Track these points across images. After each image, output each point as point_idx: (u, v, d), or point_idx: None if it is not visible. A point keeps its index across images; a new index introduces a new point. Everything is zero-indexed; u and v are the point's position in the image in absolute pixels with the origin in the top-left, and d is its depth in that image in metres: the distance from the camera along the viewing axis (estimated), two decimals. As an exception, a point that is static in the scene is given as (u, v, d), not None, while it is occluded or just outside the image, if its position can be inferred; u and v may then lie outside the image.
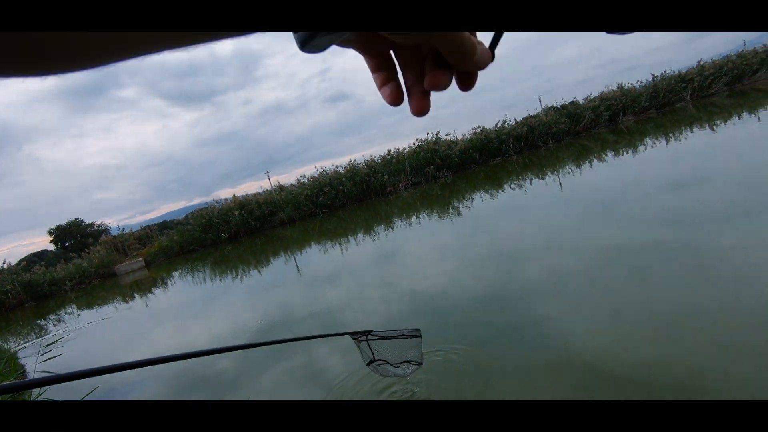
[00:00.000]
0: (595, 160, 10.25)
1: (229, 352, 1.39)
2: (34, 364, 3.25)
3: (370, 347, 2.29)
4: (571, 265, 3.70)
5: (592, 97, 19.65)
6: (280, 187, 18.43)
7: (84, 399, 2.35)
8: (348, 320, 3.94)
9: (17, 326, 10.26)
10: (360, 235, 9.27)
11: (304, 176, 18.38)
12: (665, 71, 20.18)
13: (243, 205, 16.72)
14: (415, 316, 3.52)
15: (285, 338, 1.64)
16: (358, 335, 2.25)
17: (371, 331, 2.27)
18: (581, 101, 19.57)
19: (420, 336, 2.24)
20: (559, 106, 19.55)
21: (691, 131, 10.42)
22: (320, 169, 17.95)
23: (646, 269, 3.19)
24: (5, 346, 5.53)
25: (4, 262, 15.64)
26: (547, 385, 2.15)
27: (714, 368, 1.92)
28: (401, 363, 2.27)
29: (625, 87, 19.74)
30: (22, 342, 7.58)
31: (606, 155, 10.64)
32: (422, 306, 3.72)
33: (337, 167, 17.78)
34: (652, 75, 20.28)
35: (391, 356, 2.32)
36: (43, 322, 10.08)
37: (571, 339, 2.46)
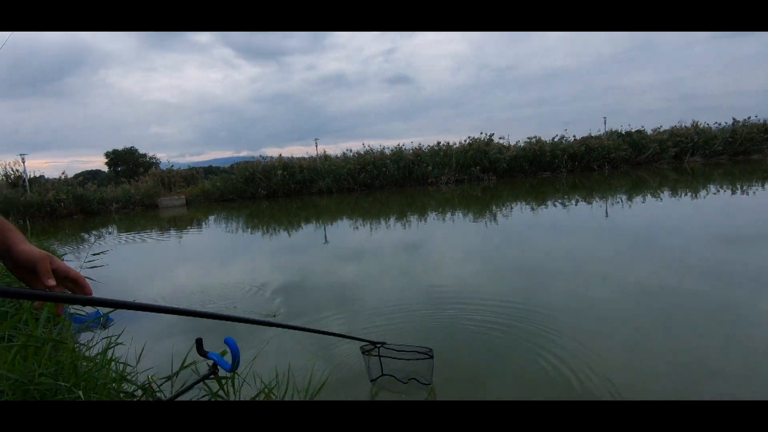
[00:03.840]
0: (649, 195, 9.76)
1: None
2: (78, 268, 3.52)
3: (380, 361, 2.29)
4: (594, 295, 3.60)
5: (662, 129, 18.59)
6: (325, 157, 18.67)
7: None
8: (360, 299, 4.02)
9: (64, 234, 11.06)
10: (392, 220, 9.32)
11: (350, 150, 18.51)
12: (749, 117, 18.75)
13: (287, 166, 17.08)
14: (424, 311, 3.54)
15: (298, 325, 1.68)
16: (370, 347, 2.25)
17: (384, 343, 2.28)
18: (649, 131, 18.55)
19: (432, 357, 2.23)
20: (623, 131, 18.62)
21: (762, 187, 9.71)
22: (367, 147, 18.03)
23: (671, 316, 3.06)
24: (54, 248, 6.01)
25: (62, 174, 16.81)
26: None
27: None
28: (409, 380, 2.25)
29: (701, 126, 18.53)
30: (67, 248, 8.19)
31: (662, 192, 10.11)
32: (434, 301, 3.73)
33: (384, 148, 17.80)
34: (734, 119, 18.91)
35: (399, 372, 2.30)
36: (86, 235, 10.82)
37: (574, 367, 2.42)
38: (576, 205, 9.27)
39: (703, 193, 9.51)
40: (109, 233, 10.91)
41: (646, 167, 16.72)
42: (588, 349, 2.62)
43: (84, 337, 2.83)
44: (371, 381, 2.30)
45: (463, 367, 2.54)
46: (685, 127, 18.40)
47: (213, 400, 1.54)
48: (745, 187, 9.78)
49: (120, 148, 31.17)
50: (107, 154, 30.84)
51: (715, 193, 9.27)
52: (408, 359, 2.25)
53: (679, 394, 2.14)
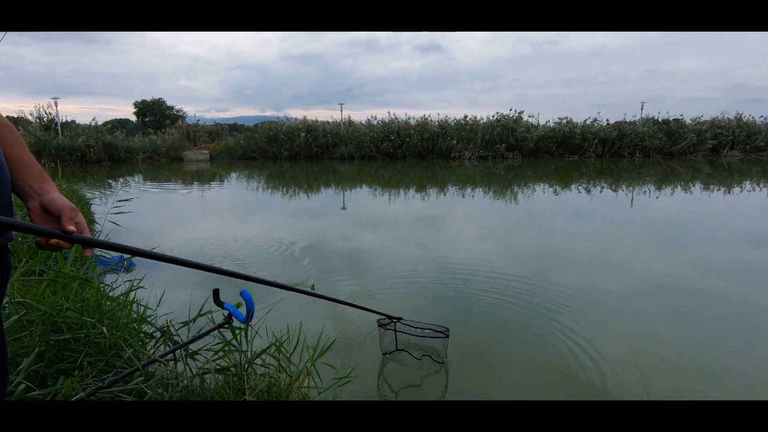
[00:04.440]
0: (679, 188, 9.43)
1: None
2: (105, 214, 3.65)
3: (395, 335, 2.30)
4: (610, 285, 3.55)
5: (702, 119, 17.69)
6: (350, 122, 18.50)
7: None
8: (373, 267, 4.06)
9: (92, 179, 11.40)
10: (411, 191, 9.28)
11: (375, 118, 18.27)
12: (798, 113, 17.63)
13: (310, 129, 17.02)
14: (436, 284, 3.57)
15: (316, 293, 1.70)
16: (386, 321, 2.26)
17: (402, 318, 2.29)
18: (688, 121, 17.69)
19: (448, 336, 2.23)
20: (660, 119, 17.81)
21: (802, 188, 9.25)
22: (392, 116, 17.77)
23: (689, 312, 3.02)
24: (83, 192, 6.22)
25: (93, 120, 17.15)
26: (539, 387, 2.16)
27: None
28: (423, 357, 2.26)
29: (744, 119, 17.57)
30: (96, 192, 8.47)
31: (693, 186, 9.75)
32: (446, 276, 3.75)
33: (409, 118, 17.50)
34: (781, 113, 17.81)
35: (414, 348, 2.31)
36: (113, 182, 11.13)
37: (577, 353, 2.43)
38: (601, 192, 9.03)
39: (737, 190, 9.12)
40: (135, 182, 11.19)
41: (680, 158, 16.08)
42: (597, 335, 2.62)
43: (108, 278, 2.96)
44: (384, 354, 2.32)
45: (472, 341, 2.57)
46: (728, 119, 17.47)
47: (225, 356, 1.60)
48: (783, 188, 9.33)
49: (149, 98, 31.47)
50: (136, 104, 31.21)
51: (749, 191, 8.88)
52: (424, 336, 2.27)
53: (684, 389, 2.13)
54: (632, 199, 8.06)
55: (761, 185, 9.74)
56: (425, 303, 3.19)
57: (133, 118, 31.98)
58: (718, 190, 9.18)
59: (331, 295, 1.95)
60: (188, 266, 1.04)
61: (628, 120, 17.68)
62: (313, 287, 3.32)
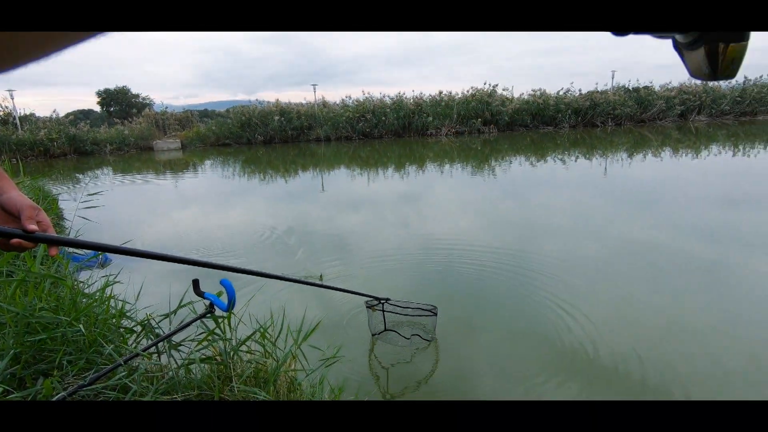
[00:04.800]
0: (650, 154, 9.68)
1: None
2: (74, 209, 3.52)
3: (384, 316, 2.30)
4: (589, 251, 3.66)
5: (670, 86, 18.05)
6: (324, 103, 18.18)
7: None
8: (357, 247, 4.07)
9: (58, 174, 10.95)
10: (390, 170, 9.26)
11: (350, 98, 18.00)
12: (761, 76, 18.18)
13: (284, 111, 16.67)
14: (419, 259, 3.61)
15: (299, 279, 1.69)
16: (374, 302, 2.26)
17: (389, 299, 2.29)
18: (657, 88, 18.02)
19: (436, 314, 2.25)
20: (630, 87, 18.09)
21: (765, 149, 9.62)
22: (367, 95, 17.53)
23: (661, 272, 3.14)
24: (48, 188, 5.97)
25: (53, 112, 16.36)
26: (525, 353, 2.24)
27: (690, 375, 1.95)
28: (412, 336, 2.28)
29: (710, 84, 17.99)
30: (62, 187, 8.15)
31: (663, 152, 10.01)
32: (430, 252, 3.79)
33: (384, 96, 17.31)
34: (745, 77, 18.32)
35: (403, 328, 2.33)
36: (81, 176, 10.73)
37: (559, 314, 2.51)
38: (576, 161, 9.20)
39: (704, 154, 9.43)
40: (105, 174, 10.81)
41: (650, 125, 16.45)
42: (580, 299, 2.71)
43: (83, 275, 2.88)
44: (373, 335, 2.34)
45: (459, 313, 2.62)
46: (695, 84, 17.88)
47: (209, 345, 1.59)
48: (747, 150, 9.69)
49: (112, 87, 30.16)
50: (99, 93, 29.88)
51: (716, 155, 9.19)
52: (412, 315, 2.29)
53: (657, 344, 2.23)
54: (606, 167, 8.24)
55: (726, 149, 10.08)
56: (411, 279, 3.22)
57: (97, 108, 30.68)
58: (687, 154, 9.46)
59: (317, 278, 1.95)
60: (164, 260, 1.01)
61: (600, 89, 17.91)
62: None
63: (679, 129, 14.92)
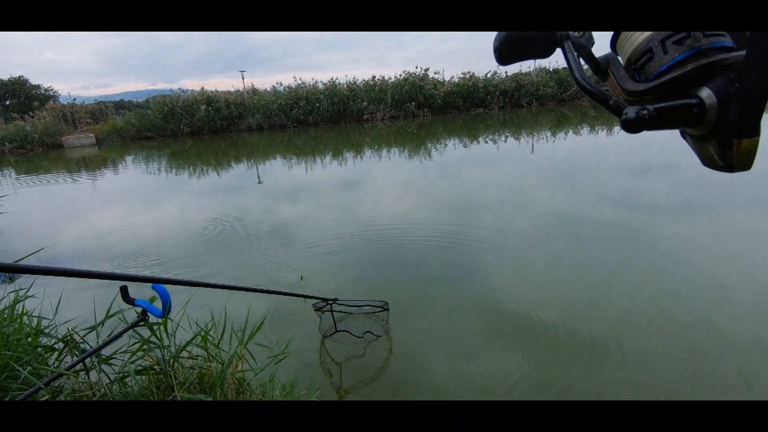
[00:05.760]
0: (570, 131, 10.38)
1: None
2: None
3: (333, 317, 2.21)
4: (520, 223, 3.87)
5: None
6: (254, 91, 17.43)
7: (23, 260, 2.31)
8: (299, 239, 3.99)
9: (-54, 179, 9.58)
10: (328, 158, 9.12)
11: (281, 84, 17.41)
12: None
13: (211, 101, 15.75)
14: (363, 244, 3.61)
15: (243, 286, 1.60)
16: (322, 304, 2.17)
17: (336, 299, 2.21)
18: (574, 69, 19.26)
19: (387, 310, 2.21)
20: (551, 69, 19.21)
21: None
22: (299, 81, 17.04)
23: (586, 238, 3.41)
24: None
25: (-67, 107, 14.20)
26: (471, 324, 2.33)
27: (615, 328, 2.16)
28: (364, 334, 2.20)
29: (619, 64, 19.56)
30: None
31: (582, 129, 10.78)
32: (373, 235, 3.81)
33: (317, 82, 16.93)
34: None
35: (353, 326, 2.24)
36: (-24, 180, 9.46)
37: (497, 285, 2.65)
38: (505, 141, 9.64)
39: (616, 129, 10.28)
40: (5, 176, 9.62)
41: (569, 104, 17.61)
42: (516, 264, 2.87)
43: (-13, 292, 2.55)
44: (324, 337, 2.25)
45: (406, 294, 2.66)
46: (606, 65, 19.32)
47: (144, 355, 1.48)
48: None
49: (6, 78, 26.72)
50: (-11, 85, 26.35)
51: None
52: (363, 313, 2.22)
53: (584, 300, 2.43)
54: (533, 145, 8.72)
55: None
56: (355, 265, 3.22)
57: (-11, 102, 27.08)
58: (602, 130, 10.26)
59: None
60: (80, 276, 0.90)
61: (524, 71, 18.82)
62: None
63: (595, 107, 16.11)
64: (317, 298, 2.16)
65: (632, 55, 0.44)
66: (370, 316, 2.29)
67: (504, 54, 0.50)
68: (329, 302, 2.19)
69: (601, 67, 0.47)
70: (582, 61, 0.45)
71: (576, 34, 0.45)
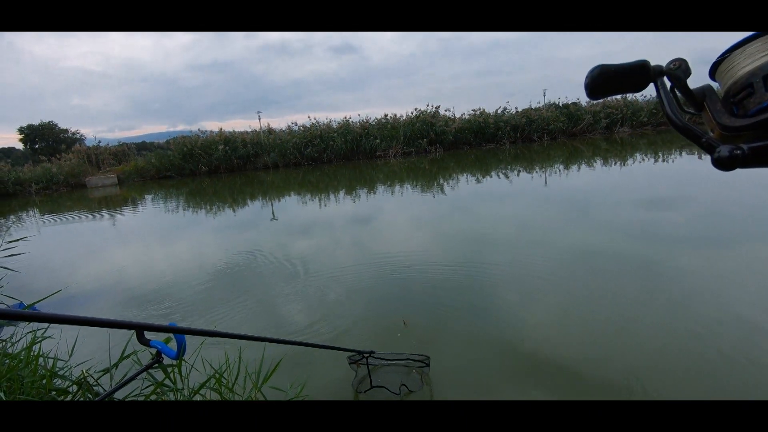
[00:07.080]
0: (583, 164, 10.36)
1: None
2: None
3: (369, 371, 2.07)
4: (533, 257, 3.80)
5: (595, 102, 19.61)
6: (269, 130, 17.97)
7: (39, 304, 2.31)
8: (314, 272, 3.97)
9: (-25, 219, 9.93)
10: (341, 194, 9.23)
11: (296, 124, 17.96)
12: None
13: (228, 140, 16.27)
14: (378, 280, 3.57)
15: (273, 337, 1.49)
16: (357, 357, 2.04)
17: (373, 351, 2.06)
18: (584, 103, 19.55)
19: (428, 365, 2.06)
20: (560, 104, 19.48)
21: (680, 155, 10.61)
22: (313, 120, 17.56)
23: (601, 272, 3.31)
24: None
25: (-33, 151, 14.94)
26: (486, 360, 2.25)
27: (637, 370, 2.05)
28: (400, 386, 2.04)
29: (629, 98, 19.78)
30: (-22, 236, 7.36)
31: (595, 162, 10.77)
32: (386, 271, 3.77)
33: (330, 121, 17.43)
34: (657, 91, 20.26)
35: (389, 380, 2.08)
36: (2, 220, 9.77)
37: (515, 322, 2.56)
38: (518, 175, 9.65)
39: (630, 162, 10.23)
40: (30, 216, 9.92)
41: (581, 137, 17.68)
42: (530, 302, 2.78)
43: (5, 332, 2.57)
44: (358, 393, 2.08)
45: (422, 329, 2.59)
46: (616, 99, 19.56)
47: (158, 399, 1.45)
48: (665, 156, 10.64)
49: (36, 122, 28.10)
50: (21, 130, 27.71)
51: (640, 162, 10.00)
52: (402, 361, 2.08)
53: (600, 339, 2.32)
54: (545, 179, 8.71)
55: (648, 156, 11.01)
56: (371, 299, 3.17)
57: (20, 146, 28.43)
58: (615, 163, 10.22)
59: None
60: (97, 325, 0.87)
61: (533, 106, 19.11)
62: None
63: (606, 140, 16.16)
64: (352, 350, 2.02)
65: (731, 89, 0.44)
66: (407, 369, 2.14)
67: (596, 89, 0.51)
68: (365, 355, 2.04)
69: (696, 99, 0.47)
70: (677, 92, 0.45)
71: (671, 65, 0.45)
